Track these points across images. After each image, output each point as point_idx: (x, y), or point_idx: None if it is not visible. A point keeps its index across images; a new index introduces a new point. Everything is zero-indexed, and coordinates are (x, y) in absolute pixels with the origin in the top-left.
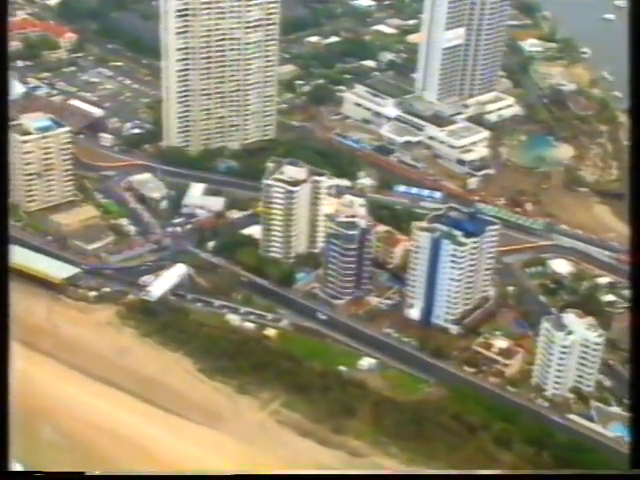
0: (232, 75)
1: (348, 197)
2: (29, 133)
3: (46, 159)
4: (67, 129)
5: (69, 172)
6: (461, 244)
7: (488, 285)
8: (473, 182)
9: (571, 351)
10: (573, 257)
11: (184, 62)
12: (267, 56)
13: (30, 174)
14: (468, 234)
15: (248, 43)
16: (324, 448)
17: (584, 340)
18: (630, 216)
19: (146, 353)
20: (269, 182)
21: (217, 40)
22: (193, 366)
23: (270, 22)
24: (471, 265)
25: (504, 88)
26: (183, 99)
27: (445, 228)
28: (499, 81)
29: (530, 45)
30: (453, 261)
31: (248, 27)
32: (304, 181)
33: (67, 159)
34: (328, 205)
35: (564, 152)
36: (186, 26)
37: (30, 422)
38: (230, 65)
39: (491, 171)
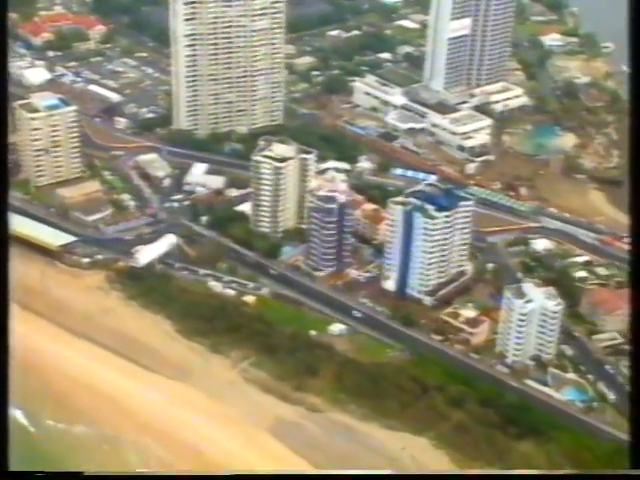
0: (239, 61)
1: (330, 173)
2: (37, 111)
3: (53, 136)
4: (74, 108)
5: (76, 149)
6: (432, 217)
7: (464, 260)
8: (471, 167)
9: (530, 319)
10: (558, 238)
11: (192, 48)
12: (273, 43)
13: (38, 150)
14: (440, 208)
15: (254, 30)
16: (284, 403)
17: (543, 309)
18: (630, 215)
19: (129, 314)
20: (258, 158)
21: (224, 27)
22: (171, 327)
23: (276, 10)
24: (443, 239)
25: (517, 80)
26: (191, 84)
27: (418, 202)
28: (512, 73)
29: (551, 40)
30: (425, 234)
31: (254, 15)
32: (291, 158)
33: (74, 137)
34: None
35: (567, 141)
36: (194, 13)
37: (20, 374)
38: (237, 51)
39: (491, 157)
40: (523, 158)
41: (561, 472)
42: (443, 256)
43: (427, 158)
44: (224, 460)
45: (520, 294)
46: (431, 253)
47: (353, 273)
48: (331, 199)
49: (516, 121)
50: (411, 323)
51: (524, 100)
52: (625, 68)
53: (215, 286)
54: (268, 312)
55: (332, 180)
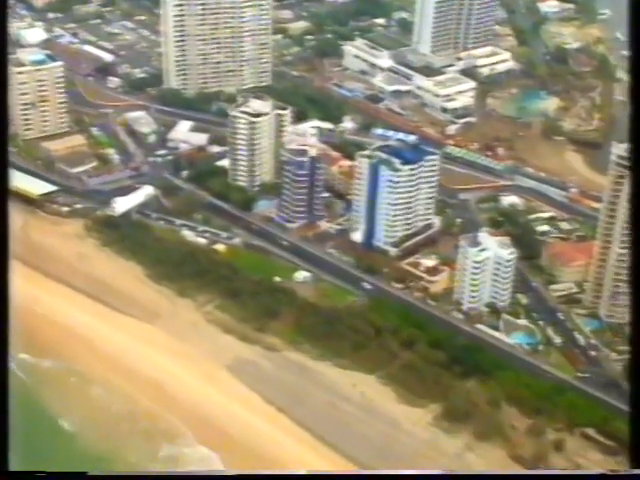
0: (227, 22)
1: (302, 128)
2: (23, 66)
3: (40, 91)
4: (60, 64)
5: (63, 104)
6: (397, 170)
7: (431, 213)
8: (452, 129)
9: (484, 267)
10: (529, 196)
11: (180, 8)
12: (261, 5)
13: (25, 104)
14: (405, 162)
15: None
16: (244, 343)
17: (497, 257)
18: (630, 213)
19: (103, 260)
20: (234, 113)
21: None
22: (142, 272)
23: None
24: (408, 191)
25: (508, 45)
26: (180, 44)
27: (384, 156)
28: (503, 39)
29: (548, 6)
30: (390, 186)
31: None
32: (266, 114)
33: (61, 92)
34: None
35: (551, 104)
36: None
37: None
38: (224, 12)
39: (472, 119)
40: (505, 120)
41: (561, 472)
42: (409, 209)
43: (410, 119)
44: (183, 394)
45: (475, 243)
46: (396, 205)
47: (324, 225)
48: (302, 153)
49: (502, 85)
50: (374, 272)
51: (511, 64)
52: (619, 35)
53: (188, 235)
54: (237, 260)
55: (304, 135)
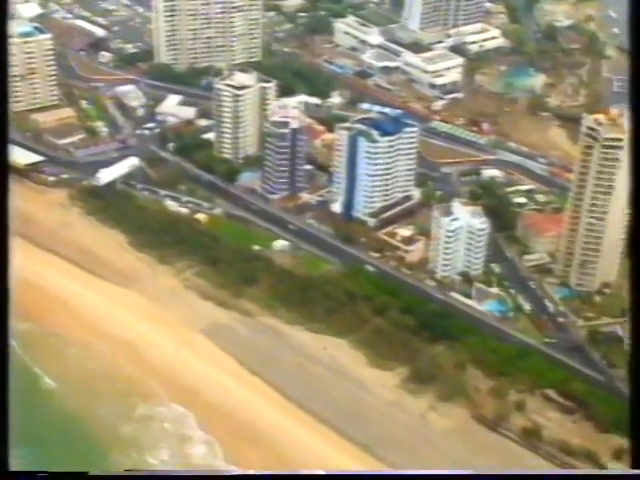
0: None
1: (284, 100)
2: (12, 37)
3: (29, 63)
4: (49, 36)
5: (52, 77)
6: (375, 141)
7: (410, 185)
8: (439, 104)
9: (457, 236)
10: (510, 169)
11: None
12: None
13: (14, 76)
14: (384, 134)
15: None
16: (220, 308)
17: (469, 226)
18: (630, 211)
19: (86, 228)
20: (218, 86)
21: None
22: (124, 240)
23: None
24: (387, 163)
25: (500, 23)
26: (170, 19)
27: (363, 128)
28: (495, 16)
29: None
30: (368, 157)
31: None
32: (251, 86)
33: (50, 65)
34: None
35: (539, 81)
36: None
37: None
38: None
39: (459, 95)
40: (492, 97)
41: (561, 472)
42: (387, 180)
43: (398, 95)
44: (159, 357)
45: (447, 213)
46: (374, 176)
47: (306, 197)
48: (284, 124)
49: (491, 62)
50: (351, 241)
51: (500, 42)
52: (612, 13)
53: (171, 205)
54: (217, 229)
55: (285, 107)
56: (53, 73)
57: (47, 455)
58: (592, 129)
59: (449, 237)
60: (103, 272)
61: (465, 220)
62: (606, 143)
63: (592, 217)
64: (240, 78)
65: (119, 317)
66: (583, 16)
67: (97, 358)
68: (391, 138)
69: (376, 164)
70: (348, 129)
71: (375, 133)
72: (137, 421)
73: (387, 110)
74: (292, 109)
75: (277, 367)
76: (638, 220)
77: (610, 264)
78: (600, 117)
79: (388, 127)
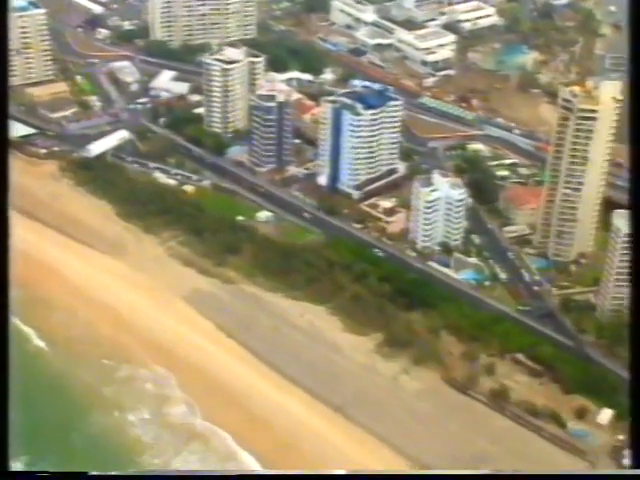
0: None
1: (271, 75)
2: None
3: (24, 37)
4: (43, 11)
5: (47, 52)
6: (358, 114)
7: (395, 158)
8: (430, 81)
9: (436, 207)
10: (496, 144)
11: None
12: None
13: (9, 50)
14: (367, 107)
15: None
16: (202, 276)
17: (448, 197)
18: (630, 210)
19: (76, 199)
20: (208, 61)
21: None
22: (112, 210)
23: None
24: (371, 136)
25: (496, 1)
26: None
27: (348, 101)
28: None
29: None
30: (352, 130)
31: None
32: (239, 61)
33: (44, 39)
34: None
35: (531, 58)
36: None
37: None
38: None
39: (451, 72)
40: (484, 74)
41: (561, 472)
42: (371, 153)
43: (390, 72)
44: (141, 321)
45: (427, 184)
46: (358, 149)
47: (293, 170)
48: (270, 98)
49: (484, 39)
50: (335, 213)
51: (495, 19)
52: None
53: (159, 177)
54: (203, 200)
55: (272, 81)
56: (47, 48)
57: (30, 412)
58: (567, 101)
59: (428, 208)
60: (90, 241)
61: (444, 191)
62: (580, 114)
63: (568, 188)
64: (229, 53)
65: (105, 284)
66: None
67: (82, 322)
68: (374, 111)
69: (359, 137)
70: (332, 102)
71: (359, 106)
72: (119, 382)
73: (374, 85)
74: (279, 83)
75: (254, 331)
76: (638, 220)
77: (586, 234)
78: (575, 89)
79: (372, 100)
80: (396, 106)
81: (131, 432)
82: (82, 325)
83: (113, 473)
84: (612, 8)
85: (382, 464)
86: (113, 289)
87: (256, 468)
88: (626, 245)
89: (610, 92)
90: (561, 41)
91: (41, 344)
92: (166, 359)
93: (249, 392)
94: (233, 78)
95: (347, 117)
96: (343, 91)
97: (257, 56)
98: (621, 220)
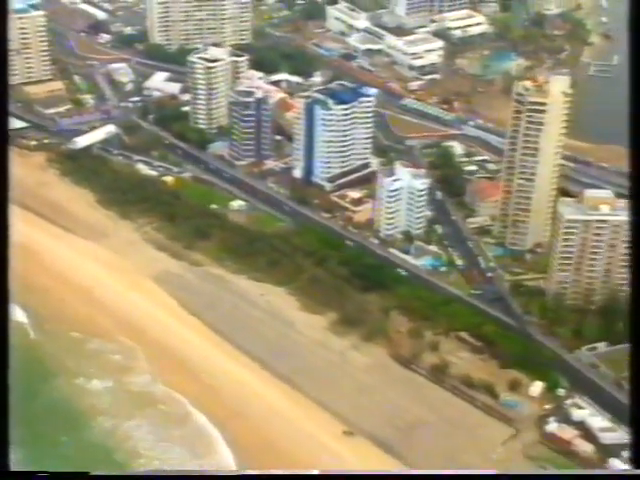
0: None
1: (250, 72)
2: None
3: (23, 38)
4: (42, 13)
5: (46, 52)
6: (329, 109)
7: (368, 153)
8: (415, 84)
9: (398, 196)
10: (471, 143)
11: None
12: None
13: (9, 50)
14: (339, 102)
15: None
16: (172, 259)
17: (410, 187)
18: (630, 209)
19: (60, 187)
20: (192, 59)
21: None
22: (93, 198)
23: None
24: (343, 130)
25: (490, 11)
26: (163, 1)
27: (320, 96)
28: (486, 5)
29: None
30: (324, 124)
31: None
32: (222, 60)
33: (43, 40)
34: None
35: (518, 64)
36: None
37: None
38: None
39: (437, 76)
40: (469, 78)
41: (561, 472)
42: (344, 147)
43: (379, 75)
44: (112, 300)
45: (390, 173)
46: (330, 142)
47: (271, 164)
48: (248, 93)
49: (474, 46)
50: (305, 203)
51: (485, 28)
52: (603, 2)
53: (142, 168)
54: (181, 190)
55: (251, 78)
56: (46, 48)
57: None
58: (520, 94)
59: (390, 197)
60: (71, 226)
61: (406, 181)
62: (531, 107)
63: (522, 178)
64: (214, 52)
65: (81, 265)
66: (574, 5)
67: (57, 299)
68: (346, 106)
69: (331, 131)
70: (306, 97)
71: (330, 101)
72: (88, 353)
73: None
74: (257, 80)
75: (216, 309)
76: (638, 221)
77: (541, 224)
78: (527, 83)
79: (344, 96)
80: (368, 102)
81: (92, 398)
82: (56, 302)
83: (115, 473)
84: (604, 19)
85: (322, 429)
86: (88, 270)
87: (208, 429)
88: (570, 231)
89: (559, 86)
90: (548, 48)
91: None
92: (133, 333)
93: (206, 363)
94: (216, 76)
95: (319, 112)
96: (317, 88)
97: (240, 55)
98: (565, 207)
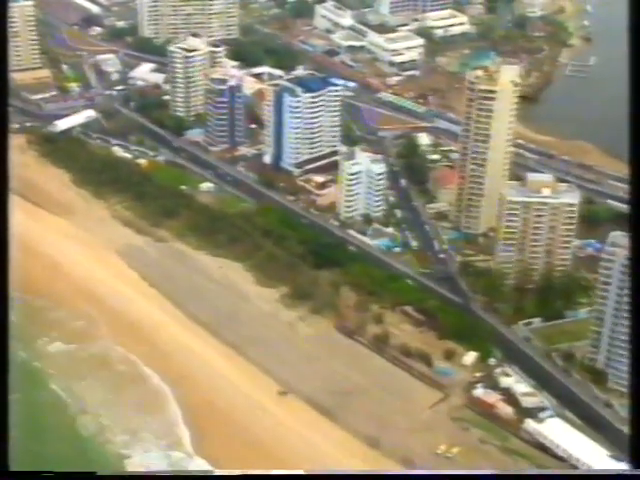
0: None
1: (225, 62)
2: None
3: (12, 27)
4: (30, 3)
5: (34, 41)
6: (296, 96)
7: (336, 141)
8: (394, 79)
9: (358, 180)
10: (441, 135)
11: None
12: None
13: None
14: (307, 90)
15: None
16: (138, 235)
17: (369, 171)
18: (630, 207)
19: (38, 167)
20: (171, 49)
21: None
22: (68, 178)
23: None
24: (310, 117)
25: (476, 13)
26: None
27: (289, 84)
28: (472, 6)
29: None
30: (291, 111)
31: None
32: (200, 50)
33: (32, 30)
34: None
35: (497, 63)
36: None
37: None
38: None
39: (416, 73)
40: (447, 75)
41: (561, 472)
42: (312, 134)
43: (359, 71)
44: (76, 272)
45: (350, 157)
46: (298, 129)
47: (243, 150)
48: (222, 81)
49: (455, 45)
50: (271, 186)
51: (467, 27)
52: (588, 7)
53: (117, 151)
54: (154, 172)
55: (225, 66)
56: (35, 38)
57: None
58: (471, 82)
59: (350, 180)
60: (45, 204)
61: (365, 165)
62: (481, 94)
63: (474, 164)
64: (191, 42)
65: (50, 240)
66: (557, 8)
67: (25, 273)
68: (313, 94)
69: (299, 117)
70: (275, 86)
71: (298, 89)
72: (51, 320)
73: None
74: (232, 69)
75: (174, 282)
76: (638, 221)
77: (493, 209)
78: (478, 72)
79: (312, 85)
80: (335, 92)
81: (50, 360)
82: (22, 272)
83: (120, 473)
84: (586, 22)
85: (261, 392)
86: (57, 244)
87: (158, 384)
88: (512, 212)
89: (509, 75)
90: (527, 49)
91: None
92: (95, 303)
93: (161, 331)
94: (194, 65)
95: (288, 99)
96: (287, 77)
97: (217, 46)
98: (508, 190)
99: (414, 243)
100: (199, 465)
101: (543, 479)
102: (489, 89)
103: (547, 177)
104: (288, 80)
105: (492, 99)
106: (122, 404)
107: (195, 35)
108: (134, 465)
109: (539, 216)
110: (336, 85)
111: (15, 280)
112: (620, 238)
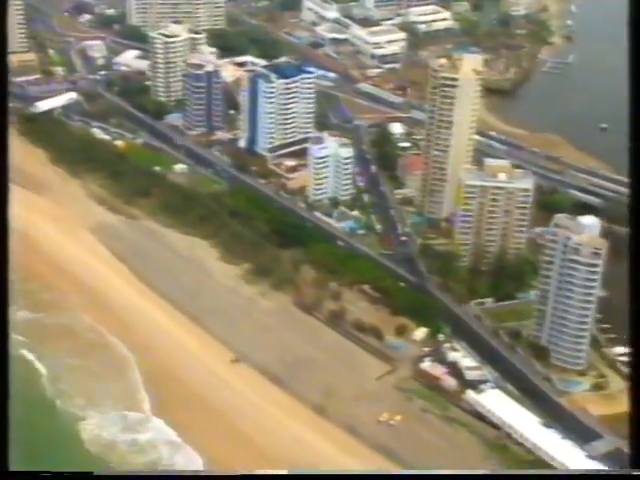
0: None
1: (204, 47)
2: None
3: None
4: None
5: (21, 25)
6: (270, 82)
7: (310, 127)
8: (375, 72)
9: (326, 164)
10: (415, 125)
11: None
12: None
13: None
14: (281, 77)
15: None
16: (110, 212)
17: (336, 155)
18: (629, 207)
19: (17, 146)
20: (152, 35)
21: None
22: (46, 157)
23: None
24: (284, 104)
25: (462, 10)
26: None
27: (264, 71)
28: (458, 3)
29: None
30: (265, 97)
31: None
32: (181, 36)
33: (20, 14)
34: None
35: (478, 58)
36: None
37: None
38: None
39: (396, 65)
40: (427, 69)
41: (561, 472)
42: (285, 119)
43: (341, 62)
44: (49, 247)
45: (318, 142)
46: (272, 114)
47: (220, 134)
48: (199, 66)
49: (438, 40)
50: (244, 170)
51: (450, 23)
52: (573, 7)
53: (96, 132)
54: (130, 153)
55: (203, 52)
56: (22, 22)
57: None
58: (435, 71)
59: (318, 163)
60: (22, 181)
61: (333, 149)
62: (444, 82)
63: (437, 150)
64: (172, 28)
65: (24, 216)
66: (542, 7)
67: None
68: (287, 81)
69: (272, 103)
70: (250, 72)
71: (272, 76)
72: (23, 294)
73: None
74: (209, 55)
75: (143, 258)
76: (638, 222)
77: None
78: (442, 61)
79: (286, 71)
80: (309, 79)
81: (18, 329)
82: None
83: (118, 473)
84: (569, 22)
85: (216, 360)
86: (31, 220)
87: (122, 352)
88: (469, 196)
89: (471, 64)
90: (509, 45)
91: None
92: (65, 276)
93: (126, 303)
94: (174, 51)
95: (262, 85)
96: (263, 64)
97: (198, 32)
98: (467, 174)
99: (378, 226)
100: (155, 425)
101: (543, 479)
102: (451, 77)
103: (503, 162)
104: (265, 67)
105: (454, 87)
106: (86, 369)
107: (177, 22)
108: (91, 425)
109: (495, 200)
110: (310, 73)
111: None
112: (563, 220)
